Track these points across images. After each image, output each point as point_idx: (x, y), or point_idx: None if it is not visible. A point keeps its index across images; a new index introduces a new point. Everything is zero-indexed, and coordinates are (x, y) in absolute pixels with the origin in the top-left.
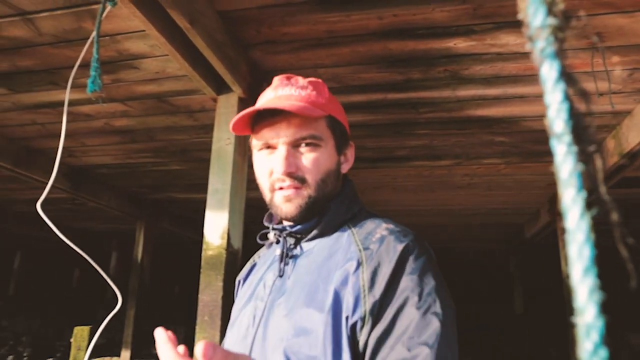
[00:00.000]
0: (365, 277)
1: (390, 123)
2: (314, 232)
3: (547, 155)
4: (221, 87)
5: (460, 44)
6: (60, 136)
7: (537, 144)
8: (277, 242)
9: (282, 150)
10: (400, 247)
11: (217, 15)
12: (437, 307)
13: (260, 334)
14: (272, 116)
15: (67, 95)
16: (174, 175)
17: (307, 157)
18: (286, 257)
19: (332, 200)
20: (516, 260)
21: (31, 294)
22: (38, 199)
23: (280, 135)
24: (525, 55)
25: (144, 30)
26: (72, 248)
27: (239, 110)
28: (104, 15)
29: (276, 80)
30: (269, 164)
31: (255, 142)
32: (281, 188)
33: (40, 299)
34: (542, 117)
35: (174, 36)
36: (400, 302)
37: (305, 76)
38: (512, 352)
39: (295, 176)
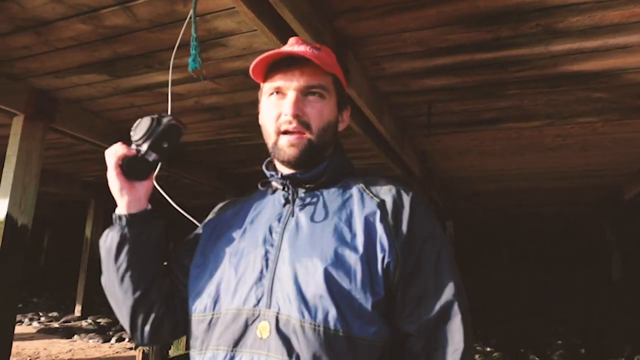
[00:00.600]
0: (390, 223)
1: (476, 85)
2: (321, 180)
3: None
4: None
5: None
6: None
7: (639, 98)
8: (284, 188)
9: (292, 95)
10: (409, 197)
11: None
12: (447, 244)
13: (286, 275)
14: (287, 65)
15: (169, 76)
16: (259, 149)
17: (314, 105)
18: (297, 204)
19: (332, 155)
20: (613, 225)
21: None
22: None
23: (293, 82)
24: (631, 0)
25: (232, 8)
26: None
27: None
28: None
29: (291, 40)
30: (278, 108)
31: (267, 88)
32: (286, 131)
33: None
34: None
35: (261, 11)
36: (421, 244)
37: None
38: (608, 321)
39: (301, 120)
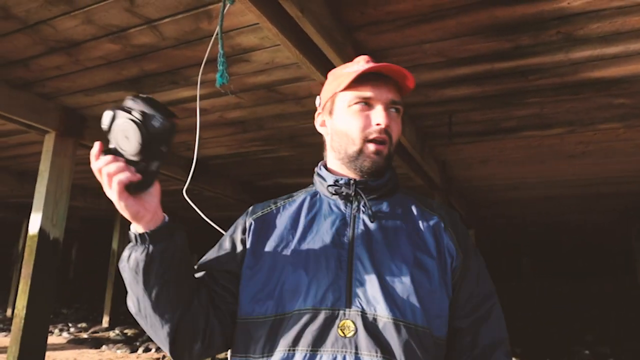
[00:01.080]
0: (452, 234)
1: (497, 94)
2: (385, 189)
3: None
4: (329, 71)
5: (574, 3)
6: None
7: None
8: (350, 195)
9: (381, 107)
10: (457, 215)
11: (323, 1)
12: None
13: (368, 276)
14: (376, 79)
15: (198, 91)
16: (282, 161)
17: (394, 119)
18: (363, 209)
19: (389, 168)
20: (638, 232)
21: None
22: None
23: (382, 95)
24: None
25: (255, 24)
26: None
27: None
28: (222, 12)
29: (364, 57)
30: (366, 117)
31: (352, 97)
32: (375, 140)
33: None
34: None
35: (284, 26)
36: (472, 253)
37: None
38: (636, 329)
39: (388, 132)
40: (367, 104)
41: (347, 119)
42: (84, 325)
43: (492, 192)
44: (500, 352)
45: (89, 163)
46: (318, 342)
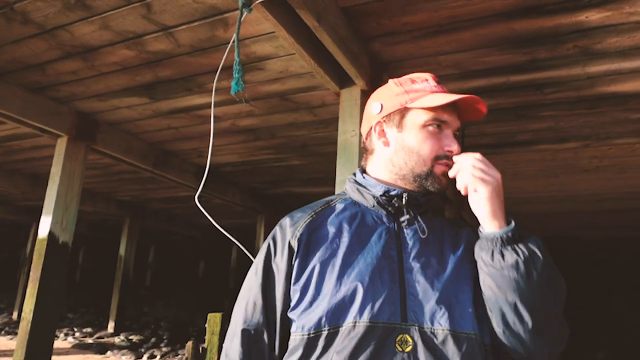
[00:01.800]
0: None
1: (512, 107)
2: (425, 207)
3: None
4: (344, 81)
5: (593, 16)
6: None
7: None
8: (399, 207)
9: (450, 132)
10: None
11: (339, 11)
12: None
13: (423, 290)
14: (452, 106)
15: (212, 98)
16: (293, 170)
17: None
18: (419, 223)
19: None
20: None
21: (164, 284)
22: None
23: (454, 121)
24: None
25: (271, 33)
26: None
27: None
28: (239, 21)
29: (430, 76)
30: (439, 140)
31: (427, 118)
32: (444, 164)
33: (172, 288)
34: None
35: (300, 35)
36: None
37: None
38: None
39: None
40: (440, 127)
41: (420, 139)
42: (89, 330)
43: (505, 206)
44: None
45: (100, 167)
46: (375, 356)
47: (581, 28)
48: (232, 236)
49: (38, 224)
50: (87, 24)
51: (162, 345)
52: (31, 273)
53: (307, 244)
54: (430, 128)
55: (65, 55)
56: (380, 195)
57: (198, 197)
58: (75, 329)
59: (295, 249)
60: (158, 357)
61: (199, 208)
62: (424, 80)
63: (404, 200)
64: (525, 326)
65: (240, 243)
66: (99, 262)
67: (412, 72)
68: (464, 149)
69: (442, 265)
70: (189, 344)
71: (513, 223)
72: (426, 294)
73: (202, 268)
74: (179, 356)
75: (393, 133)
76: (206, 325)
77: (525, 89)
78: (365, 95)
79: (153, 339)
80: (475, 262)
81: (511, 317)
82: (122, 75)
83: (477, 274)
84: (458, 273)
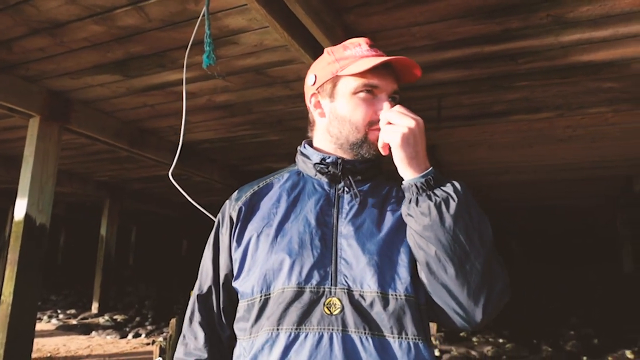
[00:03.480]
0: None
1: (486, 77)
2: (370, 172)
3: None
4: (318, 54)
5: None
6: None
7: None
8: (337, 174)
9: (384, 97)
10: None
11: None
12: None
13: (354, 254)
14: (383, 68)
15: (184, 74)
16: (270, 146)
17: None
18: (353, 188)
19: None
20: (623, 216)
21: (147, 264)
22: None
23: (388, 85)
24: None
25: (243, 5)
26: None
27: None
28: None
29: (365, 40)
30: (373, 106)
31: (356, 84)
32: (378, 129)
33: (155, 268)
34: None
35: (272, 7)
36: None
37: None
38: (621, 312)
39: None
40: (372, 92)
41: (351, 107)
42: (73, 311)
43: (480, 176)
44: None
45: (75, 148)
46: (303, 320)
47: None
48: (209, 212)
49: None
50: None
51: (146, 323)
52: (9, 256)
53: (245, 215)
54: (362, 94)
55: (32, 32)
56: (317, 164)
57: (175, 174)
58: (59, 311)
59: (235, 221)
60: (143, 335)
61: (175, 185)
62: (356, 46)
63: (338, 167)
64: (450, 275)
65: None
66: (80, 244)
67: (387, 44)
68: (441, 120)
69: (379, 228)
70: (173, 321)
71: (430, 169)
72: (358, 257)
73: (184, 246)
74: (164, 334)
75: (327, 103)
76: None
77: (499, 60)
78: None
79: (137, 318)
80: None
81: (435, 267)
82: (93, 51)
83: None
84: (395, 235)
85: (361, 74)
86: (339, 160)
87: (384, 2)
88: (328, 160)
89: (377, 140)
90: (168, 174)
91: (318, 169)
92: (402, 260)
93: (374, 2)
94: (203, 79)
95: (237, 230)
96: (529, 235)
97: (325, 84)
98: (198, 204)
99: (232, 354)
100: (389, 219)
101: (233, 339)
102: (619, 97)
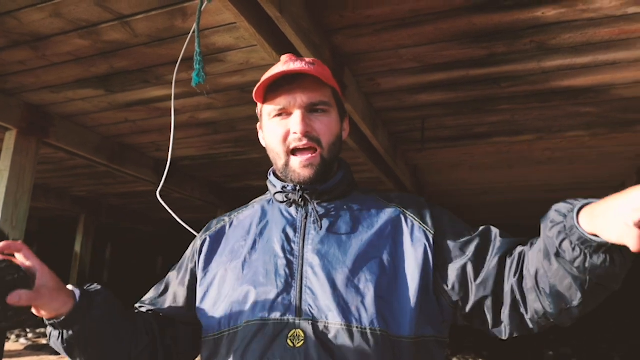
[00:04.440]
0: (416, 218)
1: (470, 100)
2: (337, 191)
3: (638, 123)
4: None
5: (549, 13)
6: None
7: (627, 112)
8: (301, 201)
9: (298, 113)
10: (422, 198)
11: (302, 2)
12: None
13: (320, 283)
14: (288, 84)
15: (172, 90)
16: (252, 164)
17: (321, 121)
18: (317, 213)
19: (342, 167)
20: None
21: (122, 281)
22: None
23: (297, 100)
24: (621, 18)
25: (231, 24)
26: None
27: None
28: (199, 10)
29: (284, 57)
30: (285, 128)
31: (270, 109)
32: (296, 149)
33: (130, 285)
34: (635, 83)
35: (261, 26)
36: (450, 222)
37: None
38: (596, 330)
39: (311, 136)
40: (286, 113)
41: (269, 133)
42: (42, 330)
43: (460, 197)
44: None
45: (52, 162)
46: (265, 354)
47: (538, 24)
48: (195, 230)
49: None
50: (37, 11)
51: None
52: None
53: (212, 247)
54: (276, 119)
55: (13, 44)
56: (277, 192)
57: (155, 192)
58: (28, 330)
59: (199, 250)
60: None
61: (157, 203)
62: (275, 67)
63: (297, 194)
64: None
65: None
66: (52, 260)
67: (373, 65)
68: (424, 142)
69: (346, 254)
70: None
71: None
72: (323, 286)
73: (160, 263)
74: None
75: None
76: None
77: (483, 83)
78: None
79: None
80: (400, 246)
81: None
82: (76, 66)
83: (403, 259)
84: (364, 260)
85: (272, 98)
86: (298, 187)
87: (374, 24)
88: (288, 188)
89: (302, 167)
90: (156, 192)
91: (279, 198)
92: (369, 289)
93: (363, 24)
94: (187, 96)
95: (200, 261)
96: None
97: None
98: (175, 221)
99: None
100: (358, 242)
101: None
102: (596, 121)
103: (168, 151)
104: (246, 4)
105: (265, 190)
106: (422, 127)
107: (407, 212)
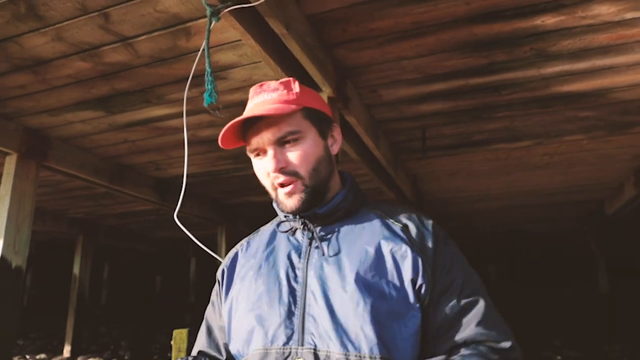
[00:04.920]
0: (418, 245)
1: (470, 108)
2: (339, 213)
3: (636, 125)
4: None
5: (548, 20)
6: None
7: (625, 115)
8: (303, 227)
9: (270, 152)
10: (430, 222)
11: (305, 18)
12: (469, 266)
13: (320, 311)
14: (254, 124)
15: (184, 108)
16: (252, 179)
17: (294, 152)
18: (319, 239)
19: (346, 186)
20: (597, 239)
21: (120, 302)
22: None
23: (264, 139)
24: (619, 23)
25: (235, 41)
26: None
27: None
28: (208, 30)
29: (251, 91)
30: (264, 167)
31: (249, 151)
32: (281, 185)
33: (129, 306)
34: (632, 86)
35: (267, 43)
36: (449, 266)
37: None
38: (600, 333)
39: (287, 171)
40: (262, 151)
41: (256, 171)
42: (42, 356)
43: (459, 204)
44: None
45: (50, 185)
46: None
47: (537, 31)
48: (207, 248)
49: None
50: (39, 35)
51: None
52: None
53: (229, 276)
54: (256, 158)
55: (14, 69)
56: (282, 222)
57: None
58: (28, 357)
59: (220, 282)
60: None
61: (156, 222)
62: (249, 101)
63: (297, 221)
64: None
65: (197, 255)
66: (48, 284)
67: (375, 77)
68: (425, 151)
69: (346, 279)
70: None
71: None
72: (324, 314)
73: (159, 283)
74: None
75: None
76: (171, 342)
77: (483, 91)
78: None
79: None
80: (400, 273)
81: None
82: (76, 88)
83: (403, 285)
84: (364, 285)
85: (247, 138)
86: (297, 215)
87: (376, 37)
88: (289, 217)
89: (287, 198)
90: (173, 215)
91: (283, 228)
92: (367, 315)
93: (366, 37)
94: (189, 114)
95: (222, 292)
96: (506, 259)
97: None
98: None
99: None
100: (357, 266)
101: None
102: (595, 124)
103: (183, 174)
104: (252, 22)
105: (265, 206)
106: (423, 136)
107: (412, 236)
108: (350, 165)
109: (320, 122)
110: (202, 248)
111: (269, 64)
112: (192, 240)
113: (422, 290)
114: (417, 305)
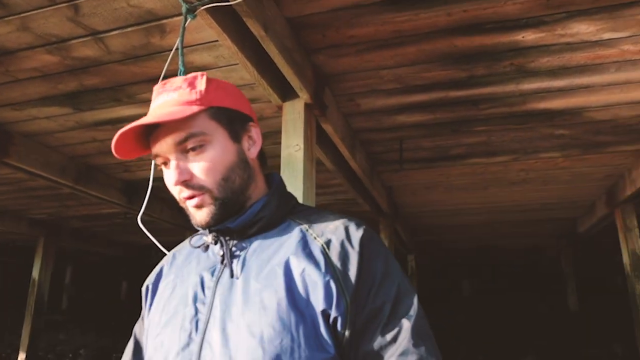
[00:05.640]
0: (337, 268)
1: (448, 121)
2: (256, 226)
3: (608, 145)
4: (287, 94)
5: (528, 37)
6: None
7: (598, 134)
8: (215, 243)
9: (172, 161)
10: (359, 234)
11: (285, 21)
12: (403, 282)
13: (217, 338)
14: (154, 129)
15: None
16: None
17: (197, 162)
18: (231, 256)
19: (267, 194)
20: (569, 256)
21: (82, 307)
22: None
23: (164, 147)
24: (596, 43)
25: (211, 42)
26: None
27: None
28: (183, 27)
29: (154, 90)
30: (170, 178)
31: (153, 159)
32: (187, 197)
33: (91, 312)
34: (606, 106)
35: (244, 45)
36: (376, 289)
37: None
38: (570, 350)
39: (192, 185)
40: (166, 160)
41: (165, 181)
42: None
43: (434, 218)
44: None
45: (10, 183)
46: None
47: (517, 47)
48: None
49: None
50: (3, 24)
51: None
52: None
53: (152, 294)
54: (163, 168)
55: None
56: (195, 236)
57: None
58: None
59: (145, 299)
60: None
61: (123, 225)
62: (152, 101)
63: (209, 235)
64: None
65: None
66: (4, 288)
67: (353, 86)
68: (402, 163)
69: (247, 304)
70: None
71: None
72: (217, 345)
73: (124, 288)
74: None
75: None
76: None
77: (462, 104)
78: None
79: None
80: (312, 298)
81: None
82: (42, 82)
83: (316, 318)
84: (273, 318)
85: (151, 146)
86: (207, 229)
87: (356, 44)
88: (200, 230)
89: (196, 211)
90: (136, 218)
91: (195, 243)
92: (258, 352)
93: (346, 44)
94: None
95: (146, 310)
96: (480, 273)
97: None
98: (142, 244)
99: None
100: (265, 289)
101: None
102: (570, 143)
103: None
104: (229, 22)
105: None
106: (400, 147)
107: (332, 256)
108: (325, 176)
109: (231, 123)
110: (166, 254)
111: (246, 67)
112: (162, 248)
113: (338, 325)
114: (330, 342)
